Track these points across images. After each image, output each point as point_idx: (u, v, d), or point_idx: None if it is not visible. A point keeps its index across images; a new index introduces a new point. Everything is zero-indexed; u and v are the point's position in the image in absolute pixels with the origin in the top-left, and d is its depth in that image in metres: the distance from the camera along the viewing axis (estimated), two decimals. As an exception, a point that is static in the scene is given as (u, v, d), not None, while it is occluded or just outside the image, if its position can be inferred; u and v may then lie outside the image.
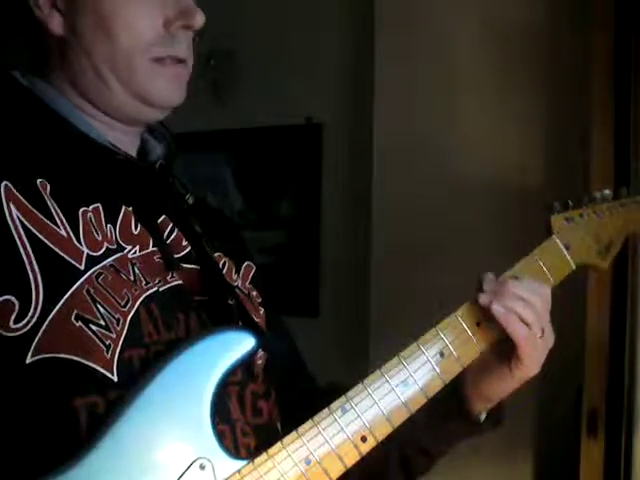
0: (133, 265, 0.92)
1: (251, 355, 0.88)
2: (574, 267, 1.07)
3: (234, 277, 1.06)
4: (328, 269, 2.86)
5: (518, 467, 2.28)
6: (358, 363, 2.62)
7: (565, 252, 1.06)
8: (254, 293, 1.09)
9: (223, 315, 0.96)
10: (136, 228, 0.95)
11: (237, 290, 1.04)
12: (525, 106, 2.31)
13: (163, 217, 1.00)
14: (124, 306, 0.88)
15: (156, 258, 0.94)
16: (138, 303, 0.89)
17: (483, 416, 1.06)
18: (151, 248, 0.95)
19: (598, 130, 2.01)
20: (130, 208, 0.96)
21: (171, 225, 1.00)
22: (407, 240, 2.45)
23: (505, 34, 2.33)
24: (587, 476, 1.98)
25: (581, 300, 2.02)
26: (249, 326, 0.97)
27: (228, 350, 0.86)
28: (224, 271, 1.03)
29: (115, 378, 0.84)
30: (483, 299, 0.97)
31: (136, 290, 0.89)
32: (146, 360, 0.87)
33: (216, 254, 1.04)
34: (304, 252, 2.90)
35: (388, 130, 2.52)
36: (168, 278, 0.93)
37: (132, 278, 0.90)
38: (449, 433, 1.07)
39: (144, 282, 0.91)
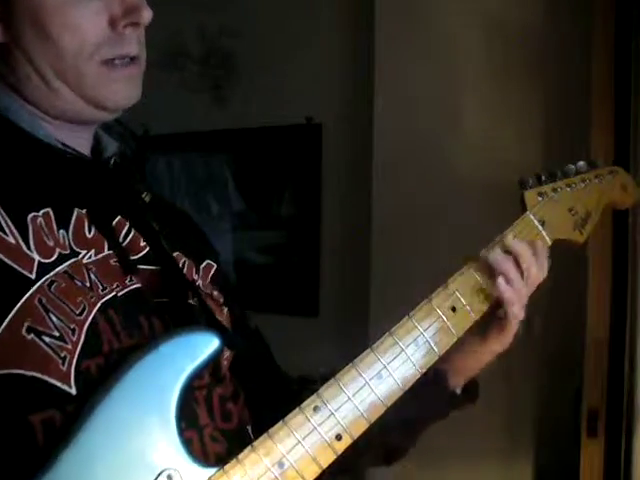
0: (88, 270, 0.87)
1: (216, 356, 0.84)
2: (550, 243, 1.05)
3: (194, 277, 1.01)
4: (328, 269, 2.86)
5: (518, 467, 2.28)
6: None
7: (540, 228, 1.05)
8: (215, 293, 1.02)
9: (186, 316, 0.92)
10: (90, 231, 0.90)
11: (198, 289, 0.99)
12: (525, 106, 2.31)
13: (118, 218, 0.94)
14: (80, 314, 0.83)
15: (112, 262, 0.90)
16: (95, 310, 0.84)
17: (458, 391, 1.09)
18: (106, 251, 0.90)
19: (598, 130, 2.01)
20: (83, 211, 0.90)
21: (127, 226, 0.94)
22: (407, 240, 2.45)
23: (505, 34, 2.33)
24: (587, 476, 1.98)
25: (581, 300, 2.02)
26: (212, 325, 0.92)
27: (192, 352, 0.82)
28: (184, 270, 0.99)
29: (73, 391, 0.80)
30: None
31: (92, 297, 0.85)
32: (106, 369, 0.82)
33: (175, 253, 0.98)
34: (304, 252, 2.90)
35: (388, 130, 2.52)
36: (126, 282, 0.89)
37: (88, 284, 0.85)
38: (428, 403, 1.06)
39: (101, 288, 0.86)
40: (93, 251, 0.89)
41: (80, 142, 0.95)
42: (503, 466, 2.31)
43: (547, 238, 1.05)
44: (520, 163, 2.31)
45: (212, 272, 1.05)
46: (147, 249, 0.94)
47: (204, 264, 1.04)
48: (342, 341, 2.80)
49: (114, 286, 0.87)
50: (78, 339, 0.82)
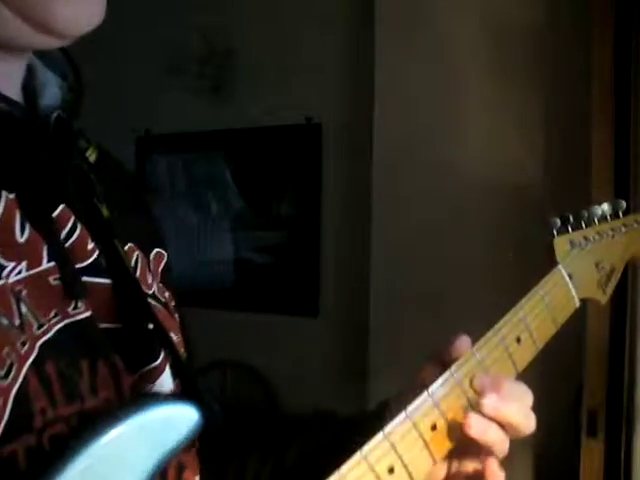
0: (17, 297, 0.60)
1: (194, 436, 0.63)
2: (577, 305, 0.90)
3: (148, 279, 0.77)
4: (328, 269, 2.86)
5: (518, 467, 2.28)
6: (358, 363, 2.62)
7: (570, 286, 0.89)
8: (167, 294, 0.81)
9: (141, 350, 0.70)
10: (22, 231, 0.63)
11: (154, 301, 0.76)
12: (525, 106, 2.31)
13: (61, 207, 0.67)
14: (5, 376, 0.57)
15: (52, 280, 0.63)
16: (26, 368, 0.58)
17: None
18: (45, 265, 0.63)
19: (598, 130, 2.01)
20: (12, 196, 0.63)
21: (72, 219, 0.68)
22: (407, 240, 2.45)
23: (505, 34, 2.33)
24: (587, 476, 1.98)
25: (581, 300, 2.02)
26: (174, 360, 0.72)
27: (166, 433, 0.62)
28: (138, 272, 0.75)
29: None
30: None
31: (23, 344, 0.59)
32: (38, 452, 0.58)
33: (128, 246, 0.75)
34: (304, 252, 2.91)
35: (388, 130, 2.52)
36: (69, 310, 0.64)
37: (17, 321, 0.59)
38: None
39: (35, 325, 0.60)
40: (25, 264, 0.62)
41: (8, 80, 0.67)
42: (503, 466, 2.31)
43: (576, 298, 0.89)
44: (520, 163, 2.32)
45: (162, 264, 0.82)
46: (96, 254, 0.69)
47: (154, 253, 0.81)
48: (342, 341, 2.80)
49: (52, 317, 0.62)
50: (1, 417, 0.57)
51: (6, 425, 0.57)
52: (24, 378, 0.58)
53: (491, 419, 0.74)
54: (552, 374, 2.26)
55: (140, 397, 0.67)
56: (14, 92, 0.68)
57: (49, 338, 0.61)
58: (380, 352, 2.51)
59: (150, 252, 0.80)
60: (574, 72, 2.18)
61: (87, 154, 0.74)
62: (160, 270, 0.81)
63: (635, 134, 1.97)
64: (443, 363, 0.78)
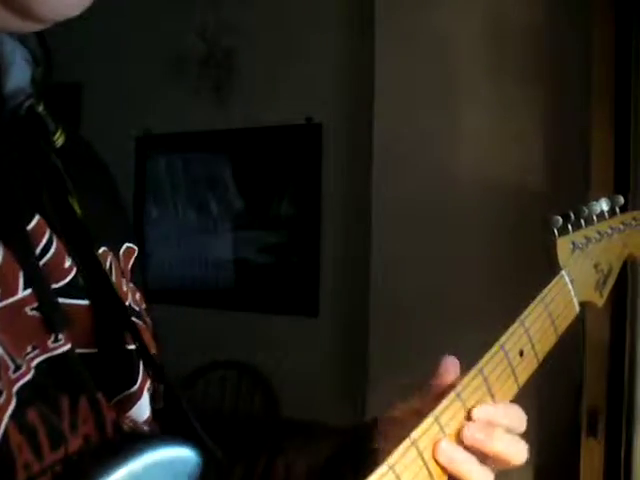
0: None
1: (195, 478, 0.58)
2: (577, 311, 0.86)
3: (123, 286, 0.69)
4: (328, 269, 2.86)
5: (518, 467, 2.28)
6: (358, 363, 2.62)
7: (572, 293, 0.85)
8: (137, 296, 0.73)
9: (118, 376, 0.64)
10: None
11: (134, 317, 0.69)
12: (525, 106, 2.31)
13: (37, 218, 0.59)
14: None
15: (29, 309, 0.56)
16: (6, 419, 0.52)
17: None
18: (21, 293, 0.56)
19: (598, 130, 2.01)
20: None
21: (49, 232, 0.60)
22: (407, 240, 2.45)
23: (505, 34, 2.33)
24: (587, 476, 1.98)
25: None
26: (159, 378, 0.67)
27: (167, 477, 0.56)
28: (113, 277, 0.67)
29: None
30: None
31: (1, 393, 0.52)
32: None
33: (102, 249, 0.67)
34: (304, 252, 2.91)
35: (388, 130, 2.52)
36: (48, 343, 0.57)
37: None
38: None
39: (12, 366, 0.53)
40: None
41: None
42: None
43: (576, 305, 0.85)
44: (520, 163, 2.32)
45: (133, 260, 0.74)
46: (74, 272, 0.61)
47: (124, 248, 0.73)
48: (342, 341, 2.80)
49: (29, 352, 0.55)
50: None
51: None
52: (3, 433, 0.52)
53: (473, 448, 0.69)
54: (552, 374, 2.25)
55: (129, 439, 0.60)
56: None
57: (27, 380, 0.54)
58: (380, 352, 2.50)
59: (120, 248, 0.73)
60: (574, 72, 2.18)
61: (54, 138, 0.65)
62: (130, 267, 0.73)
63: (635, 134, 1.97)
64: (435, 392, 0.75)
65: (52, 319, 0.57)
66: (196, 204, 3.17)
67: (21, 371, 0.54)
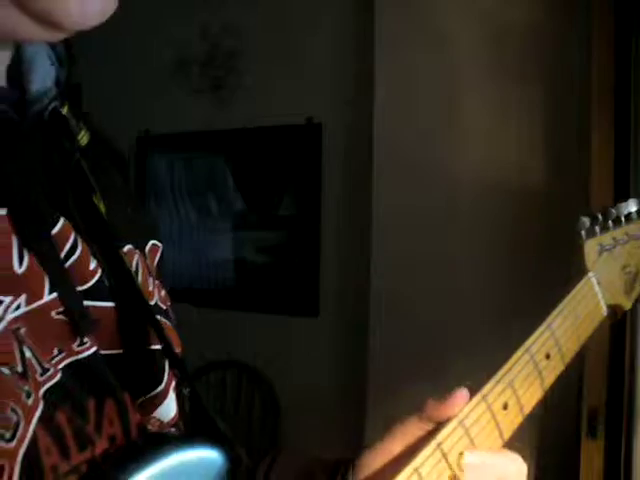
0: (19, 339, 0.53)
1: (220, 476, 0.58)
2: (605, 314, 0.85)
3: (149, 285, 0.69)
4: (328, 269, 2.86)
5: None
6: (358, 363, 2.62)
7: (600, 296, 0.84)
8: (163, 293, 0.73)
9: (144, 376, 0.65)
10: (21, 260, 0.54)
11: (160, 315, 0.69)
12: (525, 106, 2.31)
13: (62, 221, 0.59)
14: (11, 438, 0.50)
15: (55, 313, 0.56)
16: (35, 421, 0.52)
17: None
18: (47, 297, 0.55)
19: (598, 130, 2.01)
20: (4, 212, 0.54)
21: (73, 235, 0.59)
22: (407, 240, 2.45)
23: (505, 34, 2.33)
24: (587, 476, 1.98)
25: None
26: (188, 385, 0.67)
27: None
28: (139, 279, 0.67)
29: None
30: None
31: (30, 394, 0.52)
32: None
33: (127, 247, 0.67)
34: (304, 252, 2.91)
35: (388, 130, 2.52)
36: (74, 346, 0.57)
37: (20, 369, 0.52)
38: None
39: (39, 370, 0.53)
40: (24, 297, 0.54)
41: None
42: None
43: (604, 307, 0.84)
44: (520, 163, 2.32)
45: (157, 258, 0.75)
46: (99, 274, 0.61)
47: (149, 246, 0.73)
48: (342, 341, 2.80)
49: (56, 355, 0.56)
50: None
51: None
52: (32, 436, 0.51)
53: None
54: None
55: (155, 440, 0.60)
56: (1, 72, 0.59)
57: (54, 383, 0.54)
58: (380, 352, 2.50)
59: (145, 246, 0.72)
60: (574, 72, 2.18)
61: (78, 137, 0.64)
62: (156, 263, 0.74)
63: (635, 134, 1.97)
64: (432, 420, 0.73)
65: (77, 323, 0.57)
66: (196, 204, 3.17)
67: (48, 374, 0.54)
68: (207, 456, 0.57)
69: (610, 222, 0.88)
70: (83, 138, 0.64)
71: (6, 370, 0.51)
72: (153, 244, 0.74)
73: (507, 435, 0.75)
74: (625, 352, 1.96)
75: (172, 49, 3.09)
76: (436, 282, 2.39)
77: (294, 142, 2.91)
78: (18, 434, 0.51)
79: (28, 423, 0.51)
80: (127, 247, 0.67)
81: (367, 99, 2.57)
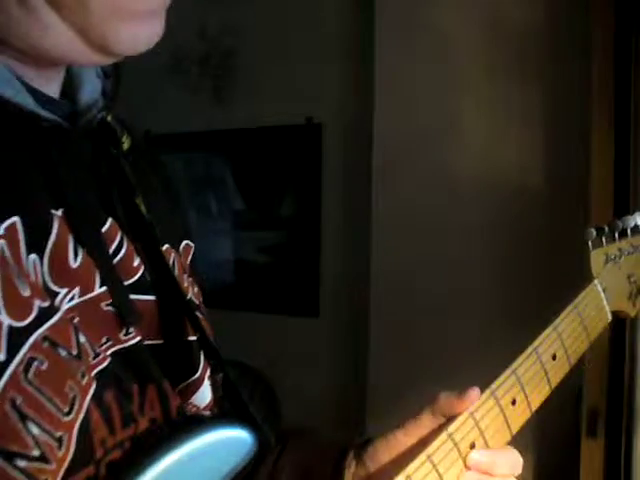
0: (75, 326, 0.58)
1: (249, 461, 0.63)
2: (610, 319, 0.91)
3: (185, 282, 0.75)
4: (328, 269, 2.86)
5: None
6: (358, 363, 2.62)
7: (605, 302, 0.90)
8: (196, 290, 0.79)
9: (182, 364, 0.70)
10: (76, 255, 0.60)
11: (193, 308, 0.75)
12: (525, 106, 2.31)
13: (110, 221, 0.65)
14: (69, 412, 0.56)
15: (104, 305, 0.62)
16: (89, 398, 0.57)
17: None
18: (97, 290, 0.62)
19: (598, 130, 2.01)
20: (59, 212, 0.60)
21: (120, 234, 0.66)
22: (407, 240, 2.45)
23: (505, 34, 2.33)
24: (587, 476, 1.98)
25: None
26: (222, 372, 0.74)
27: (223, 459, 0.61)
28: (175, 273, 0.73)
29: None
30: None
31: (84, 374, 0.58)
32: None
33: (165, 247, 0.73)
34: (304, 252, 2.90)
35: (388, 130, 2.52)
36: (121, 336, 0.63)
37: (75, 352, 0.57)
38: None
39: (91, 354, 0.59)
40: (78, 289, 0.60)
41: (51, 82, 0.64)
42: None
43: (608, 313, 0.90)
44: (520, 163, 2.32)
45: (190, 257, 0.81)
46: (142, 270, 0.68)
47: (183, 245, 0.80)
48: (342, 341, 2.80)
49: (104, 343, 0.62)
50: (66, 453, 0.55)
51: (70, 461, 0.56)
52: (86, 411, 0.57)
53: None
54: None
55: (191, 420, 0.66)
56: (56, 89, 0.65)
57: (104, 367, 0.60)
58: (380, 352, 2.50)
59: (180, 245, 0.79)
60: (574, 72, 2.18)
61: (122, 141, 0.71)
62: (188, 262, 0.80)
63: (635, 134, 1.97)
64: (444, 414, 0.76)
65: (124, 315, 0.63)
66: (196, 204, 3.17)
67: (99, 358, 0.60)
68: (238, 436, 0.62)
69: (616, 234, 0.95)
70: (125, 143, 0.71)
71: (65, 353, 0.56)
72: (186, 244, 0.80)
73: (515, 429, 0.78)
74: (625, 352, 1.96)
75: (171, 49, 3.09)
76: (436, 282, 2.39)
77: (294, 142, 2.91)
78: (75, 409, 0.56)
79: (83, 400, 0.57)
80: (165, 246, 0.73)
81: (367, 99, 2.57)
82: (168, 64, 3.11)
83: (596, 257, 0.92)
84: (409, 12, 2.47)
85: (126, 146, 0.71)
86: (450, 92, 2.41)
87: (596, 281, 0.90)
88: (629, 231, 0.96)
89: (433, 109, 2.43)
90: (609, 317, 0.91)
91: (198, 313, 0.74)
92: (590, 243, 0.92)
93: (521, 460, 0.76)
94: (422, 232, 2.43)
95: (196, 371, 0.72)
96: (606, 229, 0.93)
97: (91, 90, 0.68)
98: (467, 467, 0.73)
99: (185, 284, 0.75)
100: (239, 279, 3.08)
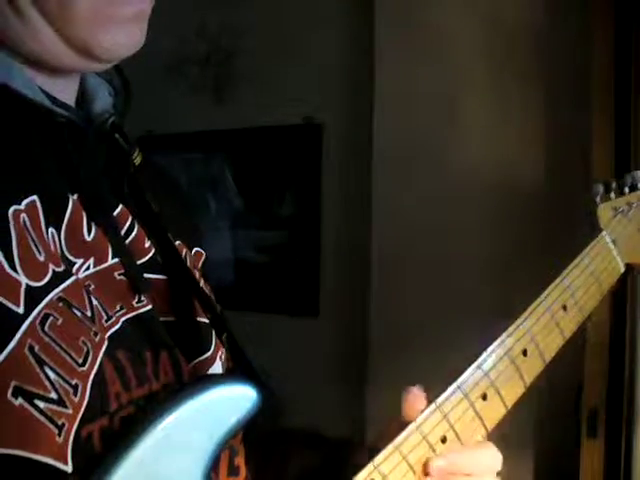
0: (88, 291, 0.64)
1: (254, 414, 0.66)
2: (622, 270, 0.91)
3: (196, 273, 0.81)
4: (328, 269, 2.86)
5: (518, 467, 2.28)
6: (358, 363, 2.62)
7: (615, 253, 0.90)
8: (208, 289, 0.84)
9: (195, 342, 0.74)
10: (89, 231, 0.67)
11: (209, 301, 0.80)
12: (525, 106, 2.31)
13: (120, 207, 0.72)
14: (83, 363, 0.61)
15: (117, 275, 0.68)
16: (102, 354, 0.62)
17: None
18: (110, 261, 0.68)
19: (598, 130, 2.01)
20: (75, 196, 0.67)
21: (130, 218, 0.73)
22: (407, 240, 2.45)
23: (505, 33, 2.33)
24: (587, 476, 1.98)
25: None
26: (234, 351, 0.76)
27: (228, 411, 0.64)
28: (188, 263, 0.80)
29: (69, 468, 0.59)
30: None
31: (97, 333, 0.63)
32: (109, 433, 0.61)
33: (177, 242, 0.79)
34: (304, 252, 2.90)
35: (388, 130, 2.52)
36: (134, 303, 0.68)
37: (89, 313, 0.63)
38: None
39: (105, 316, 0.65)
40: (92, 260, 0.66)
41: (66, 91, 0.72)
42: (503, 466, 2.31)
43: (620, 264, 0.90)
44: (520, 163, 2.32)
45: (201, 262, 0.87)
46: (152, 251, 0.73)
47: (194, 251, 0.86)
48: (342, 341, 2.80)
49: (118, 310, 0.67)
50: (82, 400, 0.60)
51: (86, 408, 0.60)
52: (100, 365, 0.62)
53: None
54: (552, 374, 2.25)
55: (201, 378, 0.70)
56: (71, 99, 0.72)
57: (117, 329, 0.65)
58: (380, 352, 2.50)
59: (192, 249, 0.84)
60: (574, 71, 2.18)
61: (133, 156, 0.77)
62: (199, 266, 0.85)
63: (635, 134, 1.97)
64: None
65: (137, 282, 0.69)
66: (196, 204, 3.17)
67: (112, 321, 0.65)
68: (245, 392, 0.66)
69: (625, 188, 0.94)
70: (137, 158, 0.77)
71: (78, 312, 0.62)
72: (197, 250, 0.86)
73: (528, 380, 0.80)
74: (625, 352, 1.96)
75: (171, 49, 3.08)
76: (436, 282, 2.39)
77: (294, 142, 2.91)
78: (88, 361, 0.61)
79: (96, 354, 0.62)
80: (177, 242, 0.79)
81: (367, 99, 2.57)
82: (168, 64, 3.11)
83: (604, 210, 0.91)
84: (409, 12, 2.47)
85: (138, 161, 0.77)
86: (450, 92, 2.41)
87: (604, 232, 0.89)
88: (639, 185, 0.96)
89: (433, 109, 2.43)
90: (622, 268, 0.91)
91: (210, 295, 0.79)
92: (598, 198, 0.92)
93: (499, 456, 0.78)
94: (422, 232, 2.43)
95: (208, 349, 0.76)
96: (613, 184, 0.94)
97: (103, 104, 0.74)
98: (427, 474, 0.73)
99: (197, 275, 0.80)
100: (239, 279, 3.08)
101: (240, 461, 0.76)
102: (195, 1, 3.03)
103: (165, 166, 0.92)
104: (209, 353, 0.76)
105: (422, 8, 2.45)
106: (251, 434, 0.80)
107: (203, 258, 0.88)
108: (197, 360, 0.74)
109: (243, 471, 0.76)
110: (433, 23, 2.43)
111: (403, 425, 0.74)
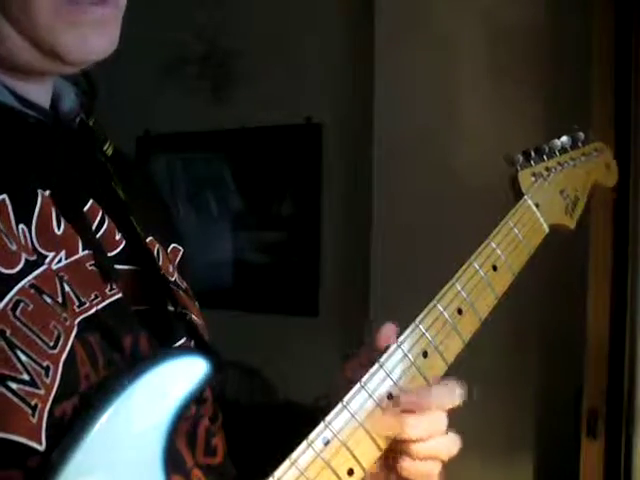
0: (61, 280, 0.68)
1: (207, 383, 0.71)
2: (547, 230, 0.96)
3: (169, 268, 0.84)
4: (328, 269, 2.85)
5: (518, 467, 2.28)
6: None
7: (538, 215, 0.95)
8: (184, 285, 0.88)
9: (166, 327, 0.77)
10: (59, 225, 0.70)
11: (175, 287, 0.84)
12: (525, 105, 2.31)
13: (91, 202, 0.75)
14: (54, 346, 0.64)
15: (88, 265, 0.71)
16: (72, 337, 0.66)
17: None
18: (81, 253, 0.71)
19: (598, 130, 2.00)
20: (47, 193, 0.70)
21: (101, 212, 0.75)
22: (408, 239, 2.45)
23: (505, 33, 2.33)
24: (587, 476, 1.98)
25: (581, 300, 2.02)
26: (196, 340, 0.81)
27: (181, 381, 0.69)
28: (160, 262, 0.82)
29: (42, 447, 0.62)
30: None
31: (67, 319, 0.66)
32: (80, 412, 0.65)
33: (148, 239, 0.81)
34: (304, 252, 2.90)
35: (388, 130, 2.52)
36: (106, 291, 0.71)
37: (60, 299, 0.67)
38: None
39: (77, 303, 0.68)
40: (64, 253, 0.70)
41: (40, 93, 0.75)
42: (503, 466, 2.31)
43: (544, 225, 0.96)
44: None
45: (178, 259, 0.90)
46: (123, 244, 0.76)
47: (170, 248, 0.89)
48: (342, 341, 2.80)
49: (92, 298, 0.70)
50: (53, 381, 0.64)
51: (57, 388, 0.64)
52: (71, 347, 0.65)
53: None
54: (552, 374, 2.25)
55: (157, 352, 0.73)
56: (46, 100, 0.76)
57: (90, 315, 0.68)
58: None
59: (167, 246, 0.87)
60: (574, 72, 2.18)
61: (104, 148, 0.81)
62: (177, 262, 0.89)
63: (635, 134, 1.97)
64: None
65: (106, 269, 0.72)
66: (196, 204, 3.17)
67: (85, 307, 0.69)
68: (196, 361, 0.71)
69: (544, 155, 1.00)
70: (108, 149, 0.81)
71: (49, 299, 0.66)
72: (174, 246, 0.90)
73: (465, 337, 0.87)
74: (625, 352, 1.96)
75: (171, 49, 3.08)
76: (436, 282, 2.38)
77: (294, 142, 2.91)
78: (60, 344, 0.65)
79: (67, 338, 0.65)
80: (149, 238, 0.81)
81: (367, 99, 2.57)
82: (167, 64, 3.11)
83: (524, 176, 0.98)
84: (409, 12, 2.47)
85: (110, 152, 0.81)
86: (450, 92, 2.41)
87: (526, 196, 0.95)
88: (556, 152, 1.01)
89: (433, 109, 2.43)
90: (546, 229, 0.96)
91: (182, 293, 0.84)
92: (518, 166, 0.98)
93: (457, 391, 0.82)
94: (422, 232, 2.43)
95: (181, 337, 0.79)
96: (532, 153, 1.00)
97: (70, 101, 0.78)
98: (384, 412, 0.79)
99: (171, 269, 0.84)
100: (238, 279, 3.08)
101: (218, 442, 0.80)
102: (195, 1, 3.02)
103: (138, 161, 0.97)
104: (183, 340, 0.79)
105: (422, 9, 2.45)
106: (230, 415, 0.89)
107: (181, 254, 0.91)
108: (172, 347, 0.77)
109: (221, 452, 0.80)
110: (433, 23, 2.43)
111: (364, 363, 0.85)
